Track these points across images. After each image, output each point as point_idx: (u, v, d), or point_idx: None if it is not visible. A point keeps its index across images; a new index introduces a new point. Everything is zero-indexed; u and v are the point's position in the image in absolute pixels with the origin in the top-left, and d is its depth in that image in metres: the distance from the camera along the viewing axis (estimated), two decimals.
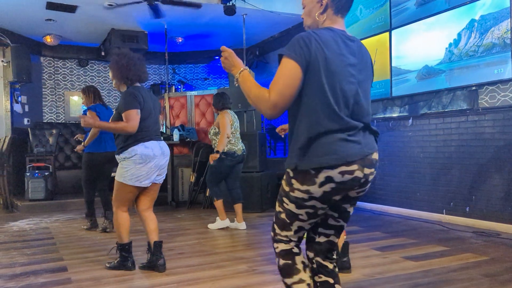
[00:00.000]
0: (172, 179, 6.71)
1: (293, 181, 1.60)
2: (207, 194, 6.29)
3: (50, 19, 6.95)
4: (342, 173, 1.54)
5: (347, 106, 1.57)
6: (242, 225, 4.75)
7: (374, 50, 5.87)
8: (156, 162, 3.12)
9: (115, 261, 3.28)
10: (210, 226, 4.82)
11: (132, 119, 3.00)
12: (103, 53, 8.37)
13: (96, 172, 4.73)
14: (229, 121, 4.63)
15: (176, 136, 6.41)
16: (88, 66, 8.96)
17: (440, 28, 5.00)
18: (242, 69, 1.63)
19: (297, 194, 1.60)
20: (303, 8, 1.73)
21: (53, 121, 8.58)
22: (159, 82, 9.08)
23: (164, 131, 6.95)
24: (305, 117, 1.55)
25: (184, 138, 6.58)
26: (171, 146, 6.64)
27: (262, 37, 8.37)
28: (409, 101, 5.48)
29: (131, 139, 3.05)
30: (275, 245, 1.78)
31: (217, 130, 4.70)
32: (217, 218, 4.81)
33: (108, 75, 9.07)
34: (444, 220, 4.95)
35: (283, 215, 1.68)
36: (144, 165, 3.06)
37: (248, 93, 1.59)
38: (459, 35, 4.78)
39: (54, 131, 7.56)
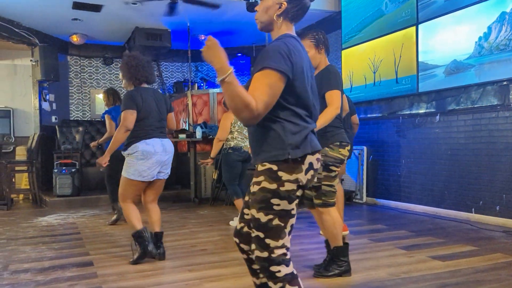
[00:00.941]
0: (195, 176, 6.75)
1: (281, 173, 1.60)
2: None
3: (76, 19, 7.08)
4: (318, 159, 1.70)
5: (312, 110, 1.72)
6: None
7: (400, 45, 5.75)
8: (158, 158, 3.36)
9: (137, 253, 3.35)
10: (232, 223, 4.83)
11: (125, 119, 3.28)
12: (127, 51, 8.46)
13: (116, 169, 4.85)
14: (229, 124, 4.65)
15: (198, 134, 6.44)
16: (113, 64, 9.10)
17: (469, 22, 4.85)
18: (231, 69, 1.50)
19: (287, 186, 1.60)
20: (261, 1, 1.78)
21: (79, 119, 8.76)
22: (182, 79, 9.14)
23: (187, 129, 6.99)
24: (283, 119, 1.65)
25: (207, 135, 6.60)
26: (193, 144, 6.68)
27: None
28: (437, 97, 5.34)
29: (133, 137, 3.33)
30: (275, 268, 1.61)
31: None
32: (235, 218, 4.82)
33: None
34: (472, 219, 4.81)
35: (275, 221, 1.61)
36: (145, 160, 3.31)
37: (233, 97, 1.47)
38: (489, 28, 4.63)
39: (80, 129, 7.71)
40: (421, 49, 5.46)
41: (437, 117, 5.32)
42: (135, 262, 3.32)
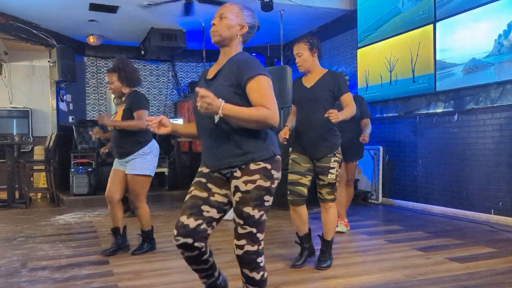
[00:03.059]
0: None
1: (273, 172, 1.82)
2: None
3: (93, 20, 7.16)
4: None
5: None
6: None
7: (417, 43, 5.67)
8: None
9: (144, 246, 3.68)
10: None
11: (144, 119, 3.38)
12: (142, 52, 8.54)
13: None
14: None
15: None
16: None
17: (488, 19, 4.76)
18: (221, 102, 1.62)
19: (275, 183, 1.85)
20: (220, 18, 1.95)
21: (95, 119, 8.85)
22: (197, 80, 9.16)
23: None
24: None
25: None
26: None
27: (299, 33, 8.27)
28: (455, 96, 5.25)
29: (147, 136, 3.54)
30: (260, 259, 1.87)
31: None
32: None
33: (148, 74, 9.27)
34: (492, 220, 4.72)
35: (264, 216, 1.83)
36: (157, 157, 3.64)
37: (246, 117, 1.67)
38: (509, 26, 4.53)
39: (97, 129, 7.78)
40: (439, 48, 5.37)
41: (455, 116, 5.23)
42: (139, 253, 3.62)
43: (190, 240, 1.82)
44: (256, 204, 1.79)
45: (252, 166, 1.79)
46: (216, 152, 1.83)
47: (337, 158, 3.09)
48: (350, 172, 4.48)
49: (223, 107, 1.61)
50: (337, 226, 4.14)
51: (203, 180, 1.91)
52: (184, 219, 1.83)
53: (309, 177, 3.14)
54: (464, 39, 5.06)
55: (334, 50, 7.86)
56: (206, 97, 1.58)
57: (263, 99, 1.72)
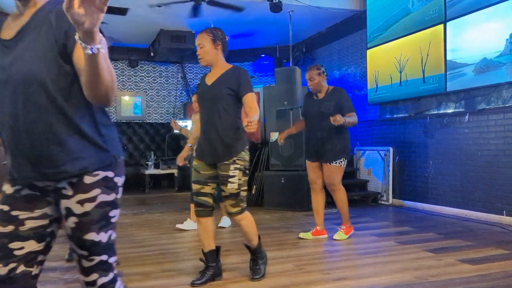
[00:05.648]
0: None
1: (117, 179, 1.41)
2: (253, 192, 6.30)
3: (103, 22, 7.15)
4: None
5: None
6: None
7: (427, 43, 5.63)
8: None
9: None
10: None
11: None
12: (152, 54, 8.59)
13: None
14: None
15: None
16: (138, 66, 9.23)
17: (499, 19, 4.70)
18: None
19: (120, 191, 1.46)
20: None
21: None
22: None
23: None
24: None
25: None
26: None
27: (309, 34, 8.26)
28: (466, 96, 5.20)
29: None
30: (118, 284, 1.47)
31: None
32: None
33: (157, 75, 9.31)
34: (504, 221, 4.66)
35: (113, 235, 1.44)
36: None
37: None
38: None
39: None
40: (449, 47, 5.32)
41: (466, 116, 5.17)
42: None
43: None
44: (101, 225, 1.35)
45: (88, 179, 1.32)
46: (33, 156, 1.28)
47: (238, 166, 2.69)
48: (326, 175, 3.98)
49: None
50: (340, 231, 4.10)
51: (5, 208, 1.35)
52: None
53: (212, 185, 2.80)
54: (475, 39, 5.00)
55: (343, 51, 7.83)
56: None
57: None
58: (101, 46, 1.09)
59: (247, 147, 2.80)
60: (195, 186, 2.80)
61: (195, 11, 6.49)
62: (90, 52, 1.08)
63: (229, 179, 2.69)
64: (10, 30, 1.32)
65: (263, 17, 7.00)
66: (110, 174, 1.36)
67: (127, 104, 9.14)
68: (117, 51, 8.88)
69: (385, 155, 6.39)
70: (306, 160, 4.18)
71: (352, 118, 3.86)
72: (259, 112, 2.74)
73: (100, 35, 1.09)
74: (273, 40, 8.56)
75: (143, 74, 9.29)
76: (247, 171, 2.78)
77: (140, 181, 7.97)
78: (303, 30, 7.88)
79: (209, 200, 2.79)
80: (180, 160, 2.81)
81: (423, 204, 5.77)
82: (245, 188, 2.77)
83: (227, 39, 2.85)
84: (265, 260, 3.03)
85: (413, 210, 5.76)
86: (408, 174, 6.08)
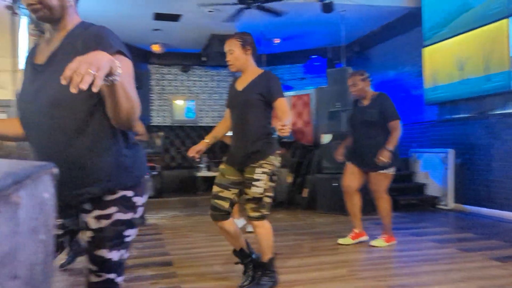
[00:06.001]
0: None
1: (136, 199, 1.41)
2: (304, 195, 6.21)
3: (157, 29, 7.44)
4: None
5: None
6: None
7: (490, 39, 5.29)
8: None
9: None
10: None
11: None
12: (203, 58, 8.75)
13: None
14: None
15: None
16: (190, 71, 9.43)
17: None
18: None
19: (140, 211, 1.46)
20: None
21: (160, 124, 9.19)
22: None
23: None
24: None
25: (280, 138, 6.58)
26: None
27: (361, 33, 8.07)
28: None
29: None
30: None
31: None
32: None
33: (209, 79, 9.47)
34: None
35: (125, 255, 1.46)
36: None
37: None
38: None
39: (161, 134, 8.07)
40: None
41: None
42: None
43: None
44: (114, 244, 1.36)
45: (106, 196, 1.35)
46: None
47: (265, 170, 2.61)
48: (373, 182, 3.87)
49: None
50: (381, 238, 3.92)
51: None
52: None
53: (234, 191, 2.73)
54: None
55: (397, 50, 7.55)
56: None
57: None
58: (115, 76, 1.08)
59: (278, 152, 2.72)
60: (215, 189, 2.77)
61: (238, 13, 6.49)
62: (115, 81, 1.10)
63: (254, 183, 2.60)
64: (42, 55, 1.36)
65: (314, 18, 6.92)
66: (129, 193, 1.37)
67: (180, 108, 9.37)
68: (170, 57, 9.13)
69: (444, 157, 6.07)
70: (347, 163, 4.05)
71: (394, 138, 3.70)
72: (291, 116, 2.65)
73: (117, 62, 1.08)
74: (324, 41, 8.45)
75: (195, 79, 9.48)
76: (274, 177, 2.67)
77: (193, 183, 8.12)
78: (355, 30, 7.71)
79: (225, 204, 2.73)
80: (191, 151, 2.73)
81: (487, 209, 5.42)
82: (270, 194, 2.65)
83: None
84: (273, 285, 2.76)
85: (476, 215, 5.43)
86: (471, 177, 5.74)
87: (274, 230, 4.77)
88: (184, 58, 9.29)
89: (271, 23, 7.25)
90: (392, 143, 3.68)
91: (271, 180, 2.64)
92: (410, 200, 6.14)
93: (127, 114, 1.20)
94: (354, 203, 3.99)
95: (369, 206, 5.82)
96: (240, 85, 2.79)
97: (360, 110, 3.93)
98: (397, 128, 3.74)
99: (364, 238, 4.02)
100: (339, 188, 5.81)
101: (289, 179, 6.40)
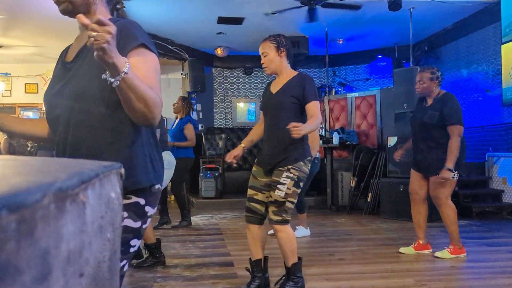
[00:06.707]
0: (332, 183, 6.61)
1: (148, 208, 1.36)
2: (368, 200, 6.01)
3: (220, 33, 7.57)
4: None
5: None
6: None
7: None
8: None
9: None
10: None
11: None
12: None
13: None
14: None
15: (335, 139, 6.29)
16: (253, 74, 9.50)
17: None
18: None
19: (148, 222, 1.40)
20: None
21: (222, 126, 9.34)
22: (319, 85, 9.10)
23: (324, 134, 6.90)
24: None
25: (344, 141, 6.42)
26: (330, 150, 6.56)
27: (431, 31, 7.68)
28: None
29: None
30: None
31: None
32: (299, 226, 4.59)
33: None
34: None
35: (126, 266, 1.38)
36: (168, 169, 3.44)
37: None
38: None
39: (223, 136, 8.20)
40: None
41: None
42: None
43: None
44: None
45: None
46: None
47: (291, 174, 2.56)
48: (432, 188, 3.63)
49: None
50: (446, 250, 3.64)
51: None
52: None
53: (267, 193, 2.70)
54: None
55: (472, 47, 7.09)
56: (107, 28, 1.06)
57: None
58: (121, 76, 1.11)
59: (309, 158, 2.67)
60: (250, 192, 2.76)
61: (311, 16, 6.44)
62: (115, 83, 1.13)
63: (278, 186, 2.58)
64: (72, 53, 1.40)
65: (380, 16, 6.69)
66: (141, 201, 1.33)
67: (242, 110, 9.46)
68: (233, 60, 9.26)
69: None
70: (411, 169, 3.83)
71: (452, 152, 3.41)
72: (319, 121, 2.61)
73: (126, 62, 1.12)
74: (391, 40, 8.14)
75: (257, 81, 9.53)
76: (301, 184, 2.62)
77: None
78: (425, 28, 7.35)
79: (261, 208, 2.70)
80: (229, 156, 2.73)
81: None
82: (293, 200, 2.61)
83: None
84: (299, 285, 2.71)
85: None
86: None
87: (336, 235, 4.68)
88: (247, 61, 9.37)
89: (335, 22, 7.11)
90: (451, 160, 3.41)
91: (295, 185, 2.59)
92: (485, 207, 5.73)
93: (142, 112, 1.20)
94: (420, 211, 3.78)
95: (437, 213, 5.53)
96: (274, 88, 2.76)
97: (421, 110, 3.70)
98: (455, 135, 3.44)
99: (428, 251, 3.76)
100: (405, 193, 5.56)
101: (352, 183, 6.23)
